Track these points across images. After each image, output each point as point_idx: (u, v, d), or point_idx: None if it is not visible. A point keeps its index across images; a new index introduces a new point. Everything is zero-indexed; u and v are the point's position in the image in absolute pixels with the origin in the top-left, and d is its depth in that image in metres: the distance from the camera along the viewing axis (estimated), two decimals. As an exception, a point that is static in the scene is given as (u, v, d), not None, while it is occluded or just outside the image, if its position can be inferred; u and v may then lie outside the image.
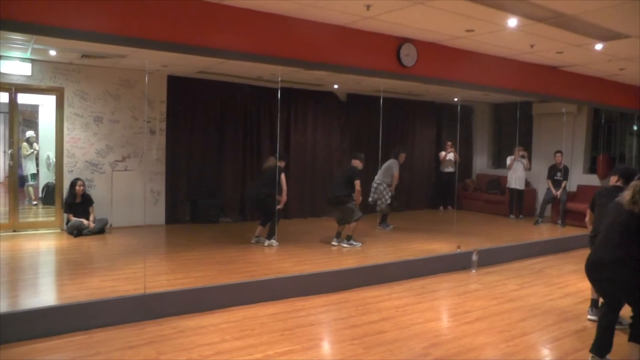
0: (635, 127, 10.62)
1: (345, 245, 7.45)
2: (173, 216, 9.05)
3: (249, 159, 9.79)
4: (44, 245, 7.24)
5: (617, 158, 10.70)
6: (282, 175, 7.28)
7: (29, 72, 7.64)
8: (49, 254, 6.92)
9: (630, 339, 3.60)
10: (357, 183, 7.50)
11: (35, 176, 9.74)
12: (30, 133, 9.80)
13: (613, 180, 4.57)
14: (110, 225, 8.14)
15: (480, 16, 5.22)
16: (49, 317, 4.02)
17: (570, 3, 4.73)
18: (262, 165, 9.70)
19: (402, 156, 9.08)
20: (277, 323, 4.39)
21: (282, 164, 7.50)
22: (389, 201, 8.73)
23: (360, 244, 7.45)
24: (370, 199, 8.76)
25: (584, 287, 5.77)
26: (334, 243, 7.56)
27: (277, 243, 7.32)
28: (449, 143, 11.45)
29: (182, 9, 4.66)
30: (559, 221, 9.89)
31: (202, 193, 9.35)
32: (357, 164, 7.74)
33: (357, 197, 7.54)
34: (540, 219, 10.16)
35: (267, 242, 7.31)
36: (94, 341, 3.88)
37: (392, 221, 9.24)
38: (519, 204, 10.82)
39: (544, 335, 4.32)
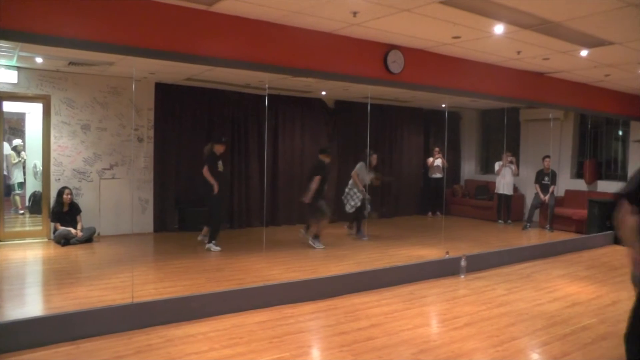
0: (620, 133, 10.75)
1: (310, 242, 7.78)
2: (161, 224, 9.01)
3: (237, 165, 9.77)
4: (30, 254, 7.17)
5: (604, 163, 10.82)
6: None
7: (15, 80, 7.59)
8: (36, 264, 6.84)
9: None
10: (316, 180, 7.57)
11: (22, 185, 9.66)
12: (17, 141, 9.72)
13: None
14: (98, 234, 8.08)
15: (466, 23, 5.27)
16: (35, 327, 3.97)
17: (555, 10, 4.79)
18: (249, 171, 9.76)
19: (374, 158, 8.76)
20: (266, 331, 4.37)
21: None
22: (357, 205, 8.40)
23: (322, 247, 7.62)
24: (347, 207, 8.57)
25: (572, 292, 5.83)
26: (301, 231, 8.13)
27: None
28: (437, 149, 11.52)
29: (170, 17, 4.65)
30: (547, 226, 9.96)
31: (190, 201, 9.30)
32: (324, 158, 7.82)
33: (306, 195, 7.63)
34: (528, 224, 10.22)
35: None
36: (80, 351, 3.84)
37: (380, 227, 8.95)
38: (507, 209, 10.88)
39: (532, 340, 4.34)
